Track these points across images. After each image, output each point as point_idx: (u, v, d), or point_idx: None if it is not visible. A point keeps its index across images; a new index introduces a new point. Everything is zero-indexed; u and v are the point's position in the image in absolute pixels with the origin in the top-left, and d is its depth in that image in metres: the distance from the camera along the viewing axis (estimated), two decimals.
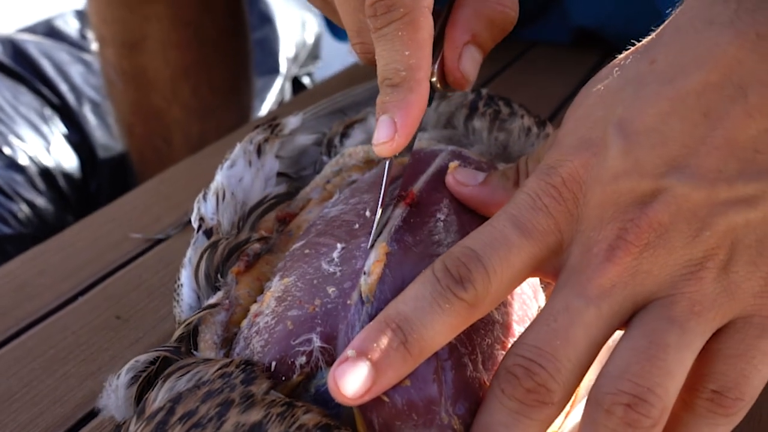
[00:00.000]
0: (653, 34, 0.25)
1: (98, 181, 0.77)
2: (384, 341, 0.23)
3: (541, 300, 0.30)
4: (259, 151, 0.37)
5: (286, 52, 1.11)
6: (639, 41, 0.25)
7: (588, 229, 0.23)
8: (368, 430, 0.24)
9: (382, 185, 0.29)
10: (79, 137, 0.78)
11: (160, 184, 0.52)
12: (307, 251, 0.30)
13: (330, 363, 0.25)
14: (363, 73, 0.75)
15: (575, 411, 0.27)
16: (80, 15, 1.00)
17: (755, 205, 0.22)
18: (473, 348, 0.26)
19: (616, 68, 0.25)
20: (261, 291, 0.32)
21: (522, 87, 0.69)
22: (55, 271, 0.42)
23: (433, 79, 0.30)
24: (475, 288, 0.23)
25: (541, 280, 0.31)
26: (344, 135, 0.40)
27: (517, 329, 0.28)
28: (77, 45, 0.91)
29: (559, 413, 0.23)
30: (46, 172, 0.72)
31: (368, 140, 0.39)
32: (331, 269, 0.27)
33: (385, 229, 0.28)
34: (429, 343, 0.23)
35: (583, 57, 0.76)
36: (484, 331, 0.27)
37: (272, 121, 0.39)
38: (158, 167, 0.71)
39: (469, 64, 0.30)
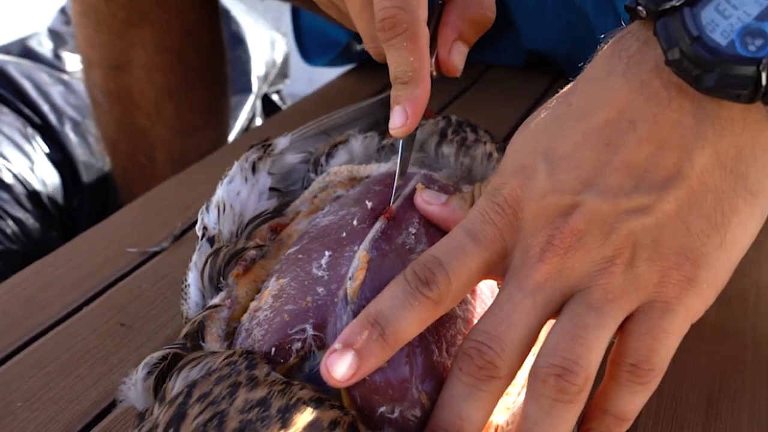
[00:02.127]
0: (572, 83, 0.31)
1: (80, 198, 0.79)
2: (366, 334, 0.28)
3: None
4: (254, 169, 0.42)
5: (257, 71, 1.15)
6: (585, 65, 0.32)
7: (525, 237, 0.29)
8: (352, 403, 0.29)
9: (397, 166, 0.37)
10: (60, 155, 0.80)
11: (148, 202, 0.55)
12: (300, 256, 0.34)
13: (320, 348, 0.30)
14: (334, 93, 0.80)
15: (524, 391, 0.32)
16: (54, 35, 1.02)
17: (648, 213, 0.27)
18: (439, 337, 0.31)
19: (544, 110, 0.31)
20: (257, 291, 0.36)
21: (481, 108, 0.74)
22: (60, 284, 0.45)
23: (430, 69, 0.37)
24: (439, 288, 0.28)
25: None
26: (329, 155, 0.44)
27: (473, 320, 0.33)
28: (52, 65, 0.93)
29: (507, 386, 0.28)
30: (30, 190, 0.75)
31: (351, 160, 0.44)
32: (320, 273, 0.32)
33: (366, 238, 0.33)
34: (402, 335, 0.28)
35: (536, 80, 0.83)
36: (448, 324, 0.32)
37: (264, 142, 0.43)
38: (141, 183, 0.74)
39: (457, 57, 0.38)
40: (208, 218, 0.38)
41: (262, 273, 0.37)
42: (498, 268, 0.30)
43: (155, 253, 0.49)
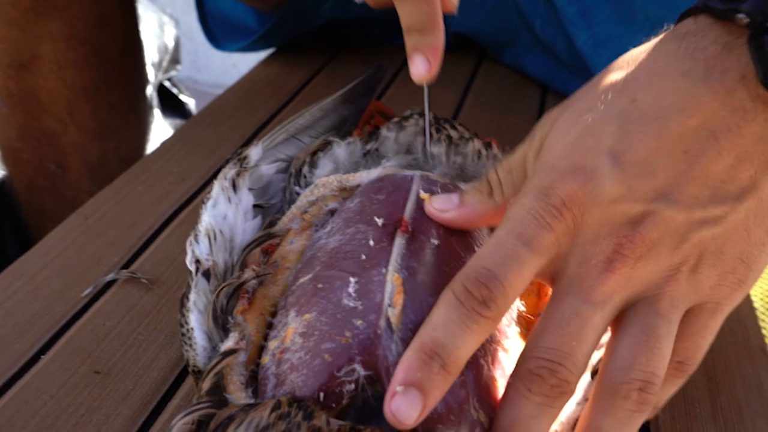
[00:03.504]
0: (626, 74, 0.29)
1: None
2: (426, 368, 0.26)
3: (517, 301, 0.35)
4: (235, 186, 0.38)
5: (150, 58, 1.05)
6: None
7: (584, 243, 0.28)
8: None
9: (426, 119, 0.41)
10: None
11: (85, 221, 0.49)
12: (320, 286, 0.31)
13: (372, 385, 0.28)
14: (259, 84, 0.75)
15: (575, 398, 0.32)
16: None
17: (720, 223, 0.28)
18: (485, 352, 0.30)
19: (599, 102, 0.29)
20: (266, 325, 0.33)
21: (416, 94, 0.73)
22: (1, 330, 0.38)
23: None
24: (497, 305, 0.27)
25: None
26: (312, 165, 0.41)
27: (505, 329, 0.33)
28: None
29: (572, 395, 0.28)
30: None
31: (336, 169, 0.41)
32: (352, 304, 0.30)
33: (392, 259, 0.31)
34: (462, 360, 0.27)
35: (463, 61, 0.83)
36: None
37: (239, 155, 0.40)
38: (51, 194, 0.65)
39: None
40: (199, 250, 0.34)
41: (266, 303, 0.34)
42: (546, 272, 0.29)
43: (110, 282, 0.43)
